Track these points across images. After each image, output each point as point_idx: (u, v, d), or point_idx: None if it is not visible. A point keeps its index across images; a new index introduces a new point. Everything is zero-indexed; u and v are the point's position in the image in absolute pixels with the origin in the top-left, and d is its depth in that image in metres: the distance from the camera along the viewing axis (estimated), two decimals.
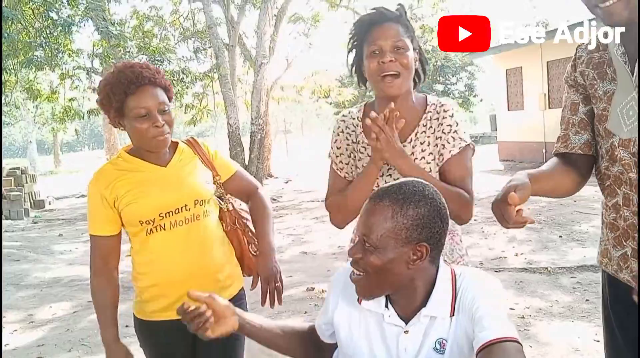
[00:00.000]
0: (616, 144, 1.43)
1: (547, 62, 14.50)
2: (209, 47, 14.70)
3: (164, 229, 1.83)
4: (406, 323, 1.34)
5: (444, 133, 1.76)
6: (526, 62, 15.27)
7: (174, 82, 12.82)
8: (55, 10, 10.16)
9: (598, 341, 3.42)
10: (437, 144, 1.76)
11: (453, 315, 1.31)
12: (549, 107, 14.48)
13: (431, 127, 1.78)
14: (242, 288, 2.03)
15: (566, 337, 3.74)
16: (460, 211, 1.67)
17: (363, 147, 1.83)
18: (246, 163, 12.71)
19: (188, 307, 1.39)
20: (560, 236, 6.70)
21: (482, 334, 1.20)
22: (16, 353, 4.19)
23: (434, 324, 1.32)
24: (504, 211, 1.33)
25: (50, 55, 11.53)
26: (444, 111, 1.78)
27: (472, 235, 7.08)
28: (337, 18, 16.69)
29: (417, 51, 1.77)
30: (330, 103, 28.39)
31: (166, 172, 1.87)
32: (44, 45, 11.01)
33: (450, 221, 1.63)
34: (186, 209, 1.84)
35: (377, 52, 1.71)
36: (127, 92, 1.74)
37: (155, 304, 1.89)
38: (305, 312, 4.57)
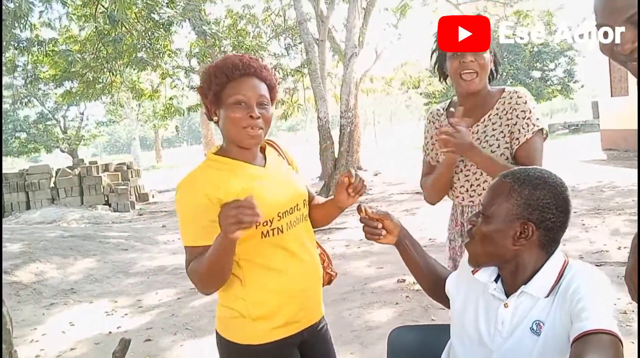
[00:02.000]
0: None
1: None
2: (300, 43, 14.97)
3: (282, 231, 1.66)
4: (507, 297, 1.41)
5: (519, 118, 1.97)
6: None
7: None
8: (156, 12, 10.71)
9: None
10: (511, 129, 1.98)
11: (549, 295, 1.34)
12: None
13: (504, 110, 2.00)
14: None
15: None
16: None
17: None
18: (336, 156, 12.85)
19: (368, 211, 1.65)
20: None
21: (580, 324, 1.21)
22: (127, 335, 4.48)
23: (534, 306, 1.36)
24: (632, 285, 1.21)
25: (152, 56, 12.22)
26: (518, 96, 1.99)
27: (572, 228, 6.80)
28: (427, 8, 16.34)
29: (492, 52, 1.99)
30: (421, 94, 28.06)
31: (269, 171, 1.74)
32: (146, 46, 11.69)
33: None
34: (297, 209, 1.73)
35: (458, 55, 1.92)
36: (229, 77, 1.63)
37: (271, 322, 1.66)
38: (397, 303, 4.61)
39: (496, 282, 1.45)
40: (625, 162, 14.23)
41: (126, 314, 5.13)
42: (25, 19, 8.95)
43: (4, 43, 10.83)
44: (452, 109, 2.05)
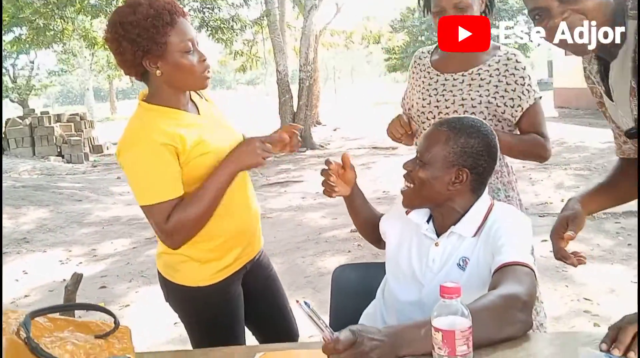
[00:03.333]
0: None
1: None
2: None
3: None
4: (437, 237, 1.50)
5: (517, 84, 1.88)
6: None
7: (223, 29, 12.92)
8: None
9: (635, 283, 3.48)
10: (510, 95, 1.88)
11: (475, 235, 1.45)
12: None
13: (498, 70, 1.89)
14: None
15: (603, 278, 3.81)
16: (539, 151, 1.91)
17: (417, 87, 2.02)
18: (295, 110, 12.83)
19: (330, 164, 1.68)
20: None
21: (499, 258, 1.33)
22: (82, 283, 4.51)
23: (462, 244, 1.47)
24: (555, 243, 1.44)
25: (105, 2, 11.81)
26: (517, 61, 1.89)
27: (520, 181, 7.03)
28: None
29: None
30: (382, 49, 27.97)
31: (207, 119, 1.69)
32: None
33: (512, 177, 2.02)
34: None
35: (438, 12, 1.81)
36: (172, 25, 1.51)
37: (221, 262, 1.70)
38: (349, 251, 4.76)
39: (428, 223, 1.54)
40: (575, 119, 14.67)
41: (81, 263, 5.14)
42: None
43: None
44: (436, 56, 1.99)
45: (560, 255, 1.46)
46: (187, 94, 1.66)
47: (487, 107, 1.88)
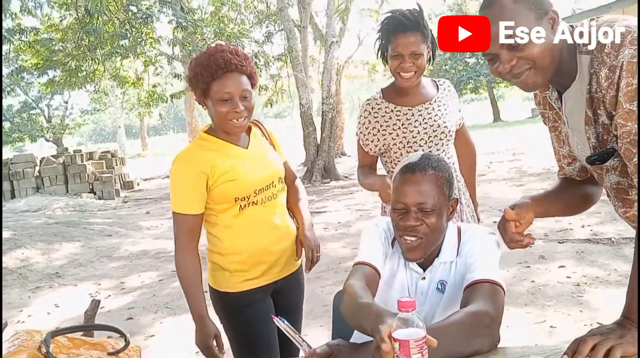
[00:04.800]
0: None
1: None
2: (282, 30, 15.07)
3: (257, 204, 1.97)
4: (424, 271, 1.60)
5: (455, 107, 2.41)
6: None
7: None
8: (135, 3, 10.82)
9: None
10: (454, 113, 2.37)
11: (456, 257, 1.57)
12: None
13: (445, 97, 2.37)
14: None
15: (618, 303, 3.79)
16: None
17: (387, 126, 2.31)
18: (318, 141, 13.03)
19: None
20: None
21: (469, 275, 1.46)
22: (110, 315, 4.74)
23: (440, 269, 1.58)
24: (503, 230, 1.49)
25: (134, 44, 12.31)
26: (451, 88, 2.44)
27: None
28: None
29: (429, 47, 2.22)
30: None
31: (250, 152, 2.01)
32: (128, 35, 11.77)
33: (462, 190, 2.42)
34: (273, 186, 2.02)
35: (398, 56, 2.18)
36: (214, 77, 1.86)
37: (248, 273, 2.00)
38: None
39: None
40: None
41: (109, 295, 5.33)
42: (6, 7, 9.02)
43: None
44: (393, 96, 2.33)
45: (511, 239, 1.47)
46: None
47: (453, 125, 2.36)
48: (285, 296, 2.13)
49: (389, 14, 2.23)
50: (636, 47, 1.20)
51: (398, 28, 2.16)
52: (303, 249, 2.08)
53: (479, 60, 30.80)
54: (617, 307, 3.87)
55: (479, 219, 2.57)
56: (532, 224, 1.49)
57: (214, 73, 1.86)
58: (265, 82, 17.12)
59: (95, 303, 1.57)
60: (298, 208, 2.18)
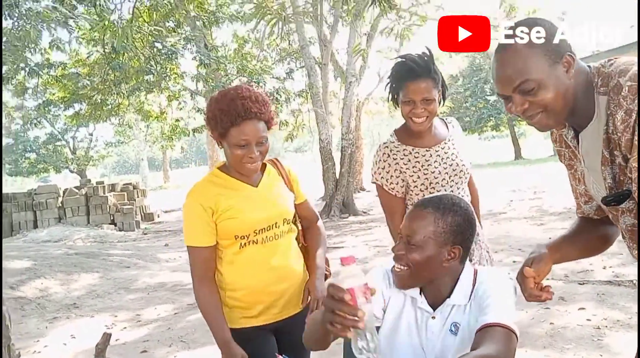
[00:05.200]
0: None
1: None
2: (303, 67, 15.30)
3: (257, 243, 2.00)
4: (434, 310, 1.60)
5: (463, 145, 2.43)
6: None
7: None
8: (160, 41, 11.12)
9: None
10: (464, 151, 2.40)
11: (468, 302, 1.56)
12: None
13: (455, 135, 2.40)
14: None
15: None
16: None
17: (407, 168, 2.31)
18: (337, 176, 13.08)
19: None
20: None
21: (482, 318, 1.44)
22: (125, 347, 4.74)
23: (455, 311, 1.57)
24: (522, 283, 1.54)
25: (158, 79, 12.59)
26: (459, 128, 2.47)
27: None
28: (429, 30, 16.59)
29: (441, 84, 2.24)
30: None
31: (259, 192, 2.04)
32: (152, 71, 12.06)
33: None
34: (276, 227, 2.04)
35: (409, 102, 2.20)
36: (233, 123, 1.89)
37: (246, 311, 2.03)
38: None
39: (421, 295, 1.61)
40: None
41: (125, 327, 5.34)
42: (35, 44, 9.33)
43: (14, 65, 11.24)
44: (409, 146, 2.32)
45: (529, 294, 1.53)
46: None
47: (463, 165, 2.33)
48: (290, 335, 2.09)
49: (400, 60, 2.26)
50: None
51: (409, 75, 2.19)
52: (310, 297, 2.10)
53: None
54: (636, 351, 3.78)
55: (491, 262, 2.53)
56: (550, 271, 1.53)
57: (233, 120, 1.89)
58: (286, 117, 17.33)
59: (107, 337, 1.59)
60: (314, 255, 2.18)
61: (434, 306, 1.60)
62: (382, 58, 19.44)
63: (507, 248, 7.32)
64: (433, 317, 1.58)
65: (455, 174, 2.30)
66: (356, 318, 1.18)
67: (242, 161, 1.94)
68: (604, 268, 5.93)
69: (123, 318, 5.70)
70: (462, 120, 30.24)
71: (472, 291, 1.56)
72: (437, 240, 1.52)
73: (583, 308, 4.60)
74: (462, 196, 2.30)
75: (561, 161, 1.62)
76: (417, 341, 1.60)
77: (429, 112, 2.20)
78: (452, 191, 2.29)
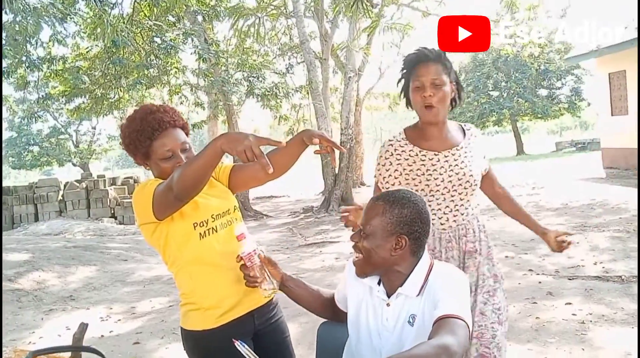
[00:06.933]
0: None
1: None
2: (303, 62, 15.34)
3: (216, 231, 1.94)
4: (388, 298, 1.70)
5: (480, 153, 2.30)
6: (631, 65, 14.50)
7: (268, 96, 13.52)
8: (160, 35, 11.16)
9: None
10: (477, 160, 2.27)
11: (419, 295, 1.64)
12: None
13: (470, 143, 2.27)
14: None
15: (621, 343, 3.77)
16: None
17: (410, 171, 2.21)
18: (336, 171, 13.13)
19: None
20: None
21: (436, 311, 1.52)
22: (118, 338, 4.82)
23: (409, 303, 1.66)
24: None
25: (158, 74, 12.63)
26: (476, 136, 2.32)
27: None
28: (430, 26, 16.58)
29: (455, 82, 2.20)
30: None
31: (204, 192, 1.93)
32: (152, 65, 12.10)
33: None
34: (228, 213, 2.01)
35: (419, 87, 2.14)
36: (151, 139, 1.92)
37: (221, 308, 1.93)
38: None
39: (379, 285, 1.74)
40: (622, 180, 14.34)
41: (119, 320, 5.42)
42: (36, 37, 9.38)
43: (15, 59, 11.29)
44: (417, 147, 2.22)
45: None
46: None
47: (477, 171, 2.23)
48: (273, 339, 2.09)
49: (412, 52, 2.24)
50: None
51: (419, 59, 2.15)
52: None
53: (502, 93, 30.80)
54: (619, 346, 3.85)
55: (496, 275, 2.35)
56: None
57: (150, 135, 1.92)
58: (286, 111, 17.36)
59: (83, 327, 1.64)
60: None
61: (389, 295, 1.70)
62: (382, 53, 19.41)
63: (501, 243, 7.38)
64: (388, 304, 1.69)
65: (460, 185, 2.19)
66: (255, 277, 1.80)
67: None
68: (595, 263, 5.98)
69: (118, 310, 5.78)
70: (465, 115, 30.21)
71: (423, 284, 1.65)
72: (384, 229, 1.64)
73: (570, 303, 4.66)
74: (466, 208, 2.23)
75: None
76: (375, 327, 1.71)
77: (439, 99, 2.12)
78: (452, 201, 2.19)
